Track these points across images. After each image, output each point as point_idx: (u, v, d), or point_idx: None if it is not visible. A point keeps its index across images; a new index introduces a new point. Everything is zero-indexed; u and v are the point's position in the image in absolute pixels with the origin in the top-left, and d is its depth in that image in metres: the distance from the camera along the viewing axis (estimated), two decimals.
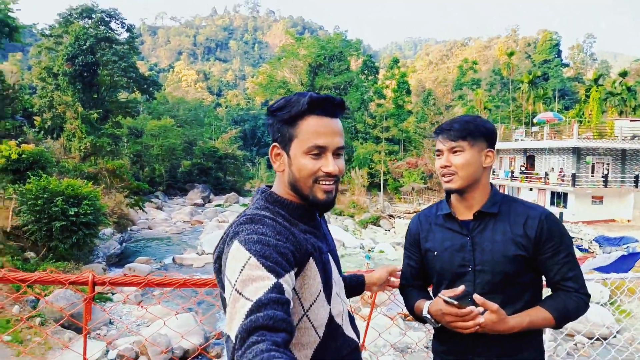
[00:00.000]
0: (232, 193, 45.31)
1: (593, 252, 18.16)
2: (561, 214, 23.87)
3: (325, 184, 1.13)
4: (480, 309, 1.35)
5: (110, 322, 11.97)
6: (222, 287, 1.05)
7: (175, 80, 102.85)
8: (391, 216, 31.60)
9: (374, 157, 40.88)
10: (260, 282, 0.93)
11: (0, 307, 9.51)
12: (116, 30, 39.23)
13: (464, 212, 1.52)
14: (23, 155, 18.04)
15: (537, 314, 1.41)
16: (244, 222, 1.07)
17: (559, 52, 67.80)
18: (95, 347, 9.32)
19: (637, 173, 25.70)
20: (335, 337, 1.16)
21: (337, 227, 27.66)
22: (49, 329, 9.63)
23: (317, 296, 1.12)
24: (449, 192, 1.55)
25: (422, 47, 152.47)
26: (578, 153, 25.40)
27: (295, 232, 1.10)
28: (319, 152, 1.11)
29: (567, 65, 72.46)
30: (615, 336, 8.99)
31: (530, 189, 27.66)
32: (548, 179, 26.09)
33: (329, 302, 1.15)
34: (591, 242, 19.84)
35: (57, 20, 36.64)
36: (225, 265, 1.02)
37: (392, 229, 29.58)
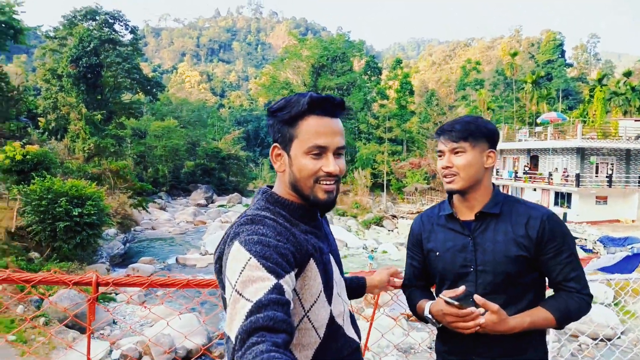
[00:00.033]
0: (235, 193, 45.38)
1: (597, 253, 18.07)
2: (565, 214, 23.77)
3: (326, 184, 1.13)
4: (481, 309, 1.35)
5: (114, 322, 11.99)
6: (223, 288, 1.04)
7: (178, 82, 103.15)
8: (394, 216, 31.54)
9: (377, 157, 40.84)
10: (261, 283, 0.93)
11: (5, 307, 9.57)
12: (120, 32, 39.48)
13: (466, 213, 1.52)
14: (27, 156, 18.14)
15: (538, 314, 1.41)
16: (245, 222, 1.07)
17: (563, 52, 67.55)
18: (98, 347, 9.36)
19: None
20: (336, 338, 1.16)
21: (340, 227, 27.65)
22: (53, 329, 9.67)
23: (318, 297, 1.12)
24: (450, 193, 1.55)
25: (425, 48, 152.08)
26: (582, 153, 25.29)
27: (296, 233, 1.10)
28: (319, 152, 1.11)
29: (570, 65, 72.10)
30: (619, 337, 8.95)
31: (534, 189, 27.56)
32: (552, 179, 25.98)
33: (329, 302, 1.15)
34: (595, 242, 19.74)
35: (61, 22, 36.89)
36: (225, 266, 1.02)
37: (395, 230, 29.54)
